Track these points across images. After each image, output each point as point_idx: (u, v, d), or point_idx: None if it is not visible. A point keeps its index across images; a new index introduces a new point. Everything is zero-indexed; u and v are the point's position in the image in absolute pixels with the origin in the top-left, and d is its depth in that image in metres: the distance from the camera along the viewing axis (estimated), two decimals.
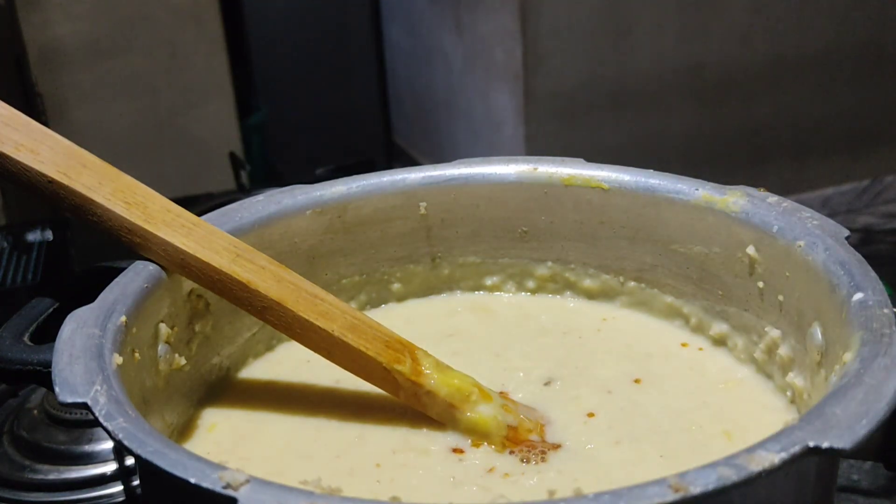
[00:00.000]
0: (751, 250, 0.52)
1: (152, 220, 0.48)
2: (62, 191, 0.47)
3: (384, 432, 0.51)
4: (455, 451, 0.49)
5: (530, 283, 0.63)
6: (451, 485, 0.46)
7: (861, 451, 0.35)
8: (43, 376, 0.44)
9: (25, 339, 0.48)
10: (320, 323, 0.48)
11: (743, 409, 0.52)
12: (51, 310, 0.50)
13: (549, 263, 0.62)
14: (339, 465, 0.48)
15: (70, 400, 0.39)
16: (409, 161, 2.79)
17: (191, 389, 0.53)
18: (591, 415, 0.51)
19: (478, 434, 0.49)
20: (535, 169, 0.60)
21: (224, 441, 0.51)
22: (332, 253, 0.60)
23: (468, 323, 0.62)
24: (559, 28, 2.10)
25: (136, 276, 0.48)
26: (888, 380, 0.37)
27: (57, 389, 0.40)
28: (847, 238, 0.48)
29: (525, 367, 0.56)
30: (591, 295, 0.62)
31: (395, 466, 0.48)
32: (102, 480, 0.70)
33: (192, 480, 0.34)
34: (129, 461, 0.69)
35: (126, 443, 0.37)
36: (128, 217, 0.48)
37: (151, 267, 0.49)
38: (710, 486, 0.32)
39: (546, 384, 0.55)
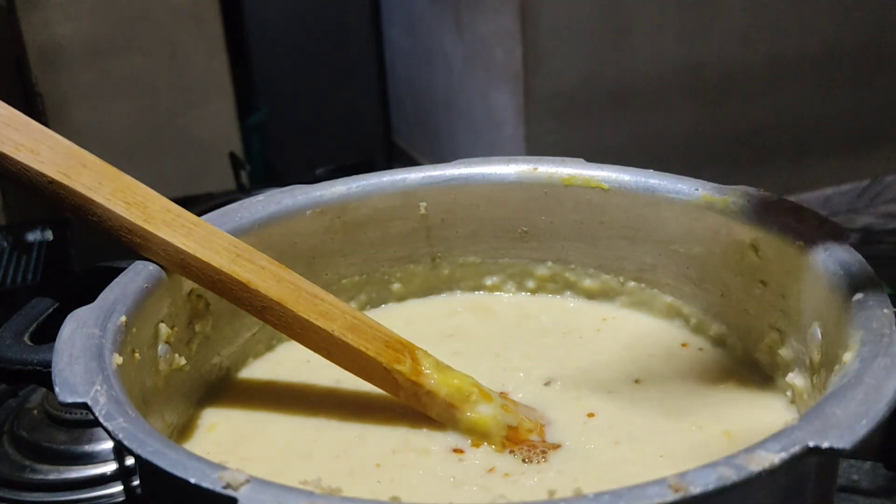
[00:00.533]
0: (751, 250, 0.52)
1: (152, 220, 0.48)
2: (62, 191, 0.47)
3: (384, 432, 0.51)
4: (455, 451, 0.49)
5: (530, 283, 0.63)
6: (451, 485, 0.46)
7: (861, 451, 0.35)
8: (43, 376, 0.44)
9: (25, 339, 0.48)
10: (320, 323, 0.48)
11: (743, 409, 0.52)
12: (51, 310, 0.50)
13: (549, 263, 0.62)
14: (339, 464, 0.48)
15: (70, 400, 0.39)
16: (409, 161, 2.79)
17: (191, 389, 0.53)
18: (591, 415, 0.51)
19: (478, 434, 0.49)
20: (535, 169, 0.60)
21: (224, 441, 0.51)
22: (332, 253, 0.60)
23: (468, 323, 0.62)
24: (559, 28, 2.10)
25: (136, 276, 0.48)
26: (888, 380, 0.37)
27: (57, 389, 0.40)
28: (847, 238, 0.48)
29: (525, 367, 0.56)
30: (591, 295, 0.62)
31: (395, 466, 0.48)
32: (102, 480, 0.70)
33: (192, 480, 0.34)
34: (129, 461, 0.69)
35: (126, 443, 0.37)
36: (128, 217, 0.48)
37: (151, 267, 0.49)
38: (710, 486, 0.32)
39: (546, 384, 0.54)
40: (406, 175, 0.61)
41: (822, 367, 0.46)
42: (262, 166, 2.63)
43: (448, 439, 0.50)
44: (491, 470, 0.47)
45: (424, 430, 0.50)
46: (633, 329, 0.60)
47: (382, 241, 0.61)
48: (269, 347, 0.59)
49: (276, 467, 0.48)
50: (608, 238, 0.60)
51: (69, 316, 0.45)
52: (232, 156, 1.44)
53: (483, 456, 0.48)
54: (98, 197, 0.47)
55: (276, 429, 0.52)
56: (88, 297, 0.46)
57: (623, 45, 2.16)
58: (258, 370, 0.58)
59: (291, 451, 0.50)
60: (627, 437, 0.49)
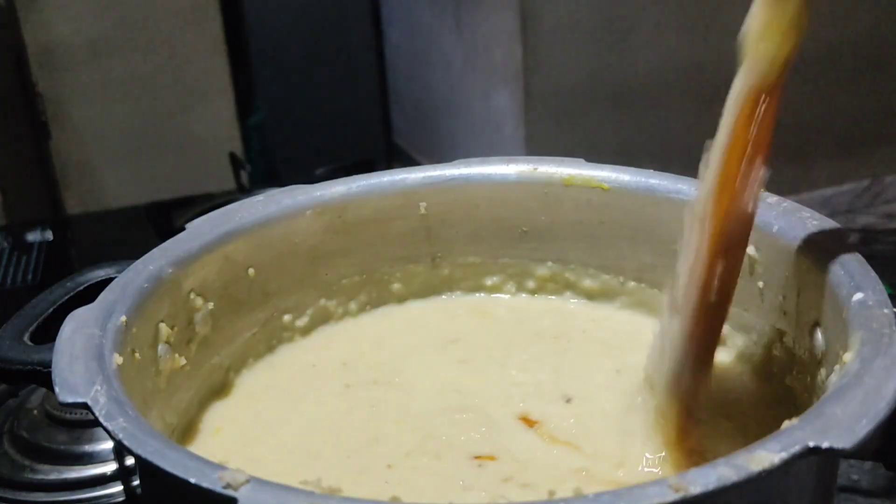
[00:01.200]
0: (751, 250, 0.52)
1: None
2: None
3: (399, 436, 0.50)
4: (475, 458, 0.48)
5: (530, 284, 0.63)
6: (460, 488, 0.46)
7: (861, 451, 0.35)
8: (43, 376, 0.44)
9: (25, 339, 0.48)
10: None
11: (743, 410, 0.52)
12: (51, 310, 0.50)
13: (549, 263, 0.62)
14: (349, 464, 0.48)
15: (70, 400, 0.39)
16: (409, 161, 2.79)
17: (191, 390, 0.53)
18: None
19: None
20: (535, 169, 0.60)
21: (230, 443, 0.51)
22: (332, 253, 0.60)
23: (469, 327, 0.61)
24: (559, 28, 2.10)
25: (136, 276, 0.48)
26: (888, 380, 0.37)
27: (57, 389, 0.40)
28: (847, 238, 0.48)
29: (533, 380, 0.55)
30: (590, 295, 0.62)
31: (406, 469, 0.48)
32: (102, 480, 0.69)
33: (192, 480, 0.34)
34: (129, 461, 0.69)
35: (126, 443, 0.37)
36: None
37: (151, 267, 0.49)
38: (710, 486, 0.32)
39: (567, 401, 0.53)
40: (406, 175, 0.61)
41: (822, 367, 0.46)
42: (262, 166, 2.63)
43: (467, 447, 0.49)
44: (507, 480, 0.46)
45: (442, 437, 0.50)
46: (632, 330, 0.60)
47: (382, 241, 0.61)
48: (270, 348, 0.59)
49: (284, 468, 0.48)
50: (608, 238, 0.59)
51: (69, 316, 0.45)
52: (232, 156, 1.44)
53: (502, 465, 0.47)
54: None
55: (283, 431, 0.52)
56: (88, 297, 0.46)
57: (623, 44, 2.16)
58: (260, 371, 0.58)
59: (300, 453, 0.50)
60: (636, 441, 0.49)
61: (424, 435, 0.50)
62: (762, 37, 0.48)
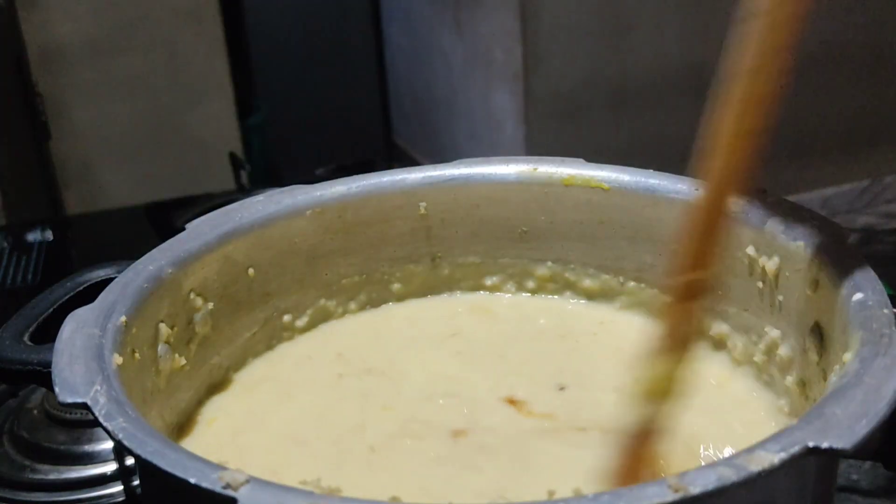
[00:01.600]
0: (751, 250, 0.52)
1: None
2: None
3: (385, 420, 0.51)
4: (454, 433, 0.49)
5: (530, 284, 0.63)
6: (434, 461, 0.47)
7: (861, 451, 0.35)
8: (43, 376, 0.44)
9: (25, 339, 0.48)
10: None
11: (742, 409, 0.52)
12: (51, 310, 0.50)
13: (549, 263, 0.62)
14: (334, 450, 0.49)
15: (70, 400, 0.39)
16: (410, 161, 2.79)
17: (191, 389, 0.53)
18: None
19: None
20: (535, 169, 0.60)
21: (223, 433, 0.51)
22: (332, 253, 0.60)
23: (469, 324, 0.61)
24: (559, 28, 2.10)
25: (136, 276, 0.48)
26: (888, 380, 0.37)
27: (57, 389, 0.40)
28: (847, 238, 0.48)
29: (528, 371, 0.56)
30: (590, 295, 0.62)
31: (388, 450, 0.49)
32: (102, 480, 0.70)
33: (192, 480, 0.34)
34: (129, 461, 0.69)
35: (126, 443, 0.37)
36: None
37: (151, 267, 0.49)
38: (710, 486, 0.32)
39: (561, 389, 0.54)
40: (406, 175, 0.61)
41: (821, 367, 0.46)
42: (262, 166, 2.63)
43: (447, 426, 0.50)
44: (481, 448, 0.48)
45: (426, 418, 0.51)
46: (631, 331, 0.60)
47: (382, 240, 0.61)
48: (269, 347, 0.59)
49: (273, 456, 0.49)
50: (608, 238, 0.60)
51: (69, 316, 0.45)
52: (232, 156, 1.44)
53: (473, 437, 0.49)
54: None
55: (275, 421, 0.52)
56: (88, 297, 0.46)
57: (623, 44, 2.16)
58: (258, 369, 0.58)
59: (289, 440, 0.50)
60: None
61: (407, 418, 0.51)
62: (651, 391, 0.43)
